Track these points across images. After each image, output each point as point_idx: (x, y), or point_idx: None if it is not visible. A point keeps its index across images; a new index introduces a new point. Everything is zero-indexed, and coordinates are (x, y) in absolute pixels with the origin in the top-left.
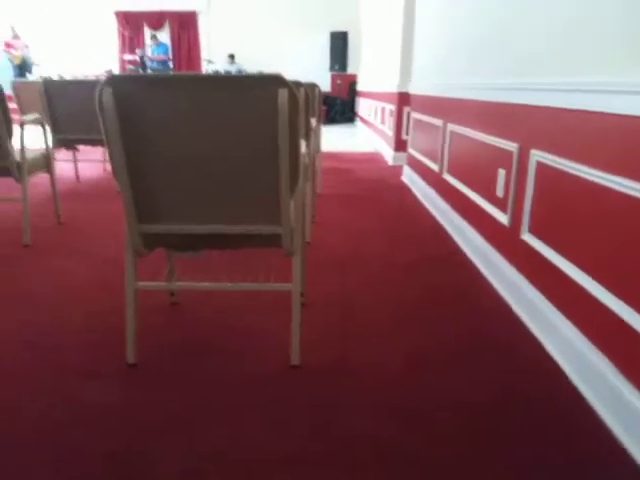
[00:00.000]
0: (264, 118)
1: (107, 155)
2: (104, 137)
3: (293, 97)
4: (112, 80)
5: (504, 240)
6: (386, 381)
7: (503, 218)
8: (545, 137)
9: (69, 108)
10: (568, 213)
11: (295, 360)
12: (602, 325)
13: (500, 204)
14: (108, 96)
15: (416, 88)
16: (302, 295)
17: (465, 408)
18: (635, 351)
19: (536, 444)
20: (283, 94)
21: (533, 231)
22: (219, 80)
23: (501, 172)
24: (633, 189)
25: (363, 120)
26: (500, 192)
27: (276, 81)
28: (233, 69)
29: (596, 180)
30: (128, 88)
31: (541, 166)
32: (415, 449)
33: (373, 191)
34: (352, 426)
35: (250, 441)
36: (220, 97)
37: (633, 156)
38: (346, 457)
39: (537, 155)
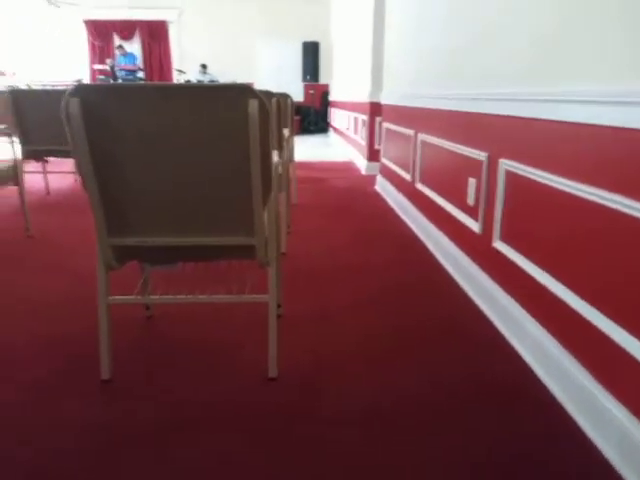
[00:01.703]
0: (234, 128)
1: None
2: (72, 148)
3: (263, 107)
4: (79, 90)
5: (476, 248)
6: (364, 391)
7: (475, 226)
8: (513, 146)
9: (38, 119)
10: (537, 220)
11: (272, 372)
12: (570, 326)
13: (471, 212)
14: (75, 106)
15: (387, 98)
16: (278, 306)
17: (443, 413)
18: (601, 351)
19: (512, 437)
20: (253, 104)
21: (504, 238)
22: (188, 90)
23: (471, 181)
24: (598, 196)
25: (336, 130)
26: (471, 201)
27: (246, 91)
28: (205, 79)
29: (563, 188)
30: (95, 98)
31: (510, 175)
32: (393, 457)
33: (347, 200)
34: (332, 436)
35: (231, 456)
36: (189, 107)
37: (598, 164)
38: (331, 467)
39: (506, 164)
